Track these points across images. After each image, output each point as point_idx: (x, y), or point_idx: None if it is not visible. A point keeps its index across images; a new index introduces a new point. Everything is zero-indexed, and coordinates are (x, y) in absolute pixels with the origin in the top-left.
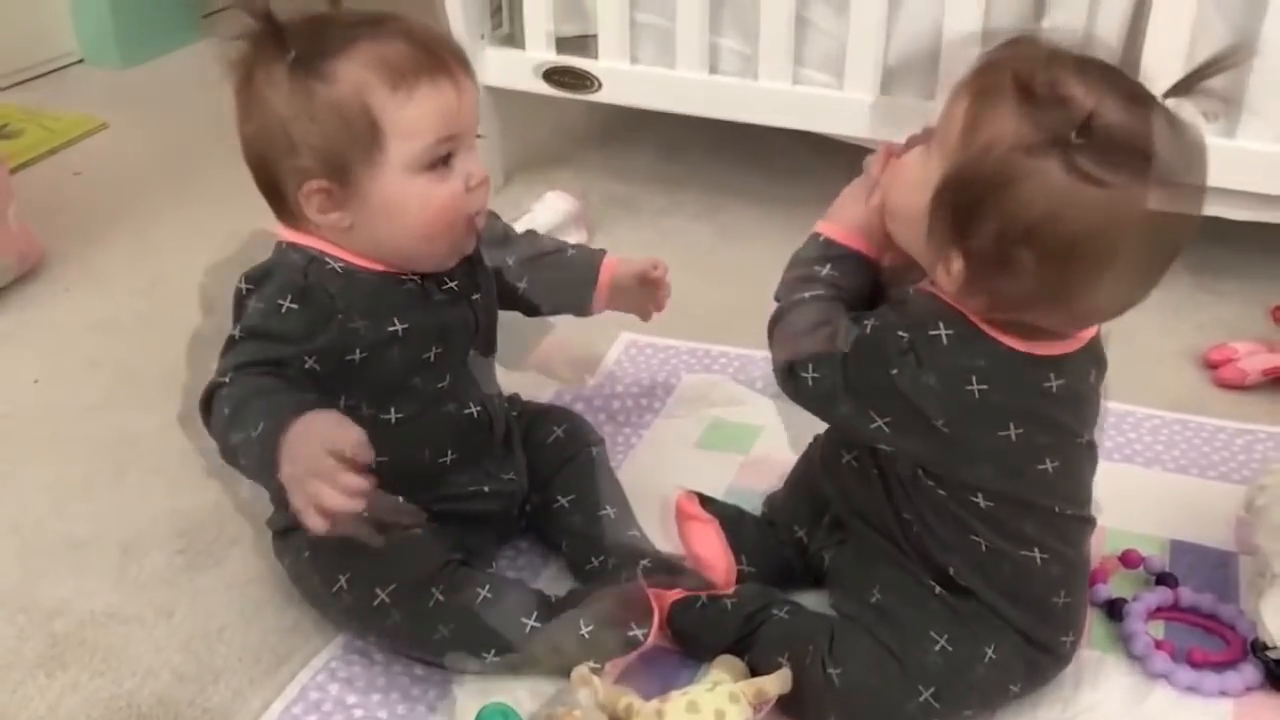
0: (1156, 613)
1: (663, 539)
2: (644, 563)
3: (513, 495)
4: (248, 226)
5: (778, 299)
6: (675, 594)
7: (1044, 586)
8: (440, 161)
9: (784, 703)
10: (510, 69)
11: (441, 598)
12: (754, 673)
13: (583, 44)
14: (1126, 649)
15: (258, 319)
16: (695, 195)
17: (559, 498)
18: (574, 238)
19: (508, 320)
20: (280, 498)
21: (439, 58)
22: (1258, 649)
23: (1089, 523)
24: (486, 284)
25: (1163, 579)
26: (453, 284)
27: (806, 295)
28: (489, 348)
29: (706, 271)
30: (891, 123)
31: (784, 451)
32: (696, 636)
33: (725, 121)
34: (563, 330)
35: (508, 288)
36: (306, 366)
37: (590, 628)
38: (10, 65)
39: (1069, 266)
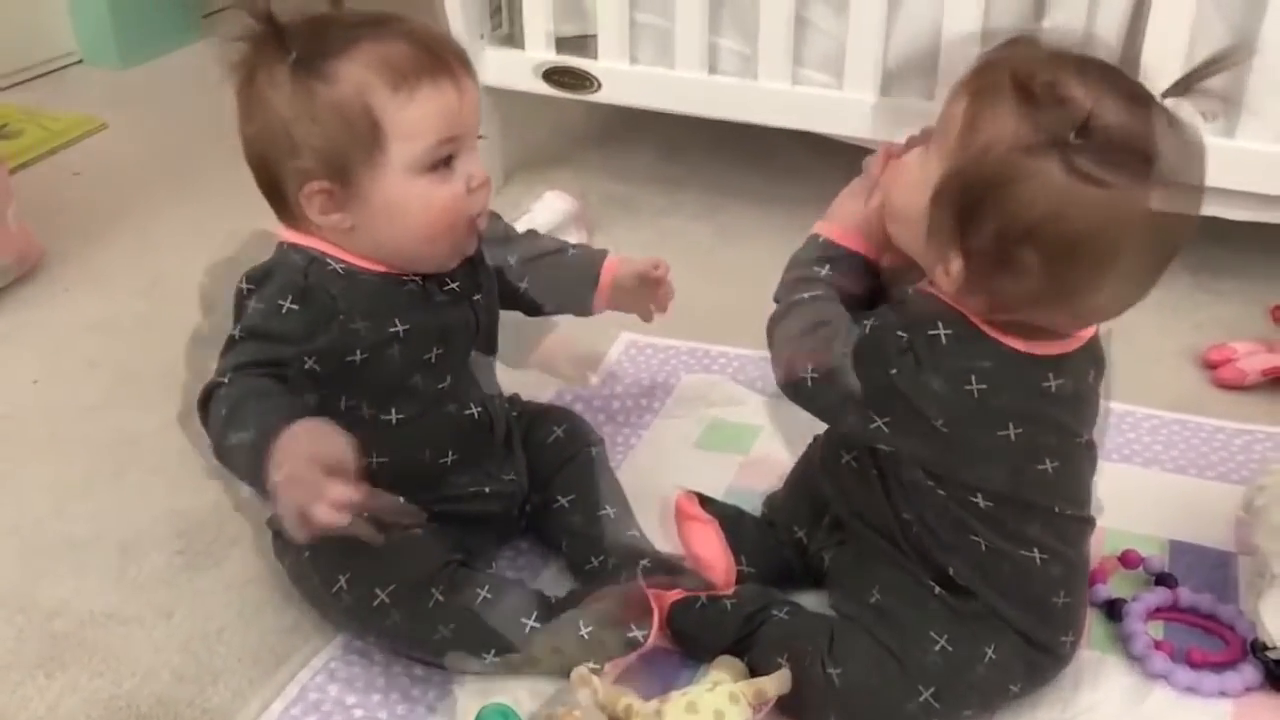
0: (1156, 613)
1: (662, 539)
2: (644, 563)
3: (513, 496)
4: (248, 226)
5: (777, 300)
6: (675, 594)
7: (1044, 586)
8: (442, 163)
9: (784, 703)
10: (510, 69)
11: (441, 598)
12: (754, 673)
13: (582, 44)
14: (1126, 649)
15: (258, 319)
16: (695, 195)
17: (559, 498)
18: (573, 238)
19: (510, 319)
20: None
21: (441, 58)
22: (1257, 649)
23: (1089, 523)
24: (488, 284)
25: (1162, 579)
26: (454, 285)
27: (806, 296)
28: (490, 348)
29: (706, 271)
30: (894, 124)
31: (783, 452)
32: (696, 637)
33: (725, 121)
34: (565, 329)
35: (509, 287)
36: (306, 367)
37: (590, 628)
38: (9, 65)
39: (1068, 267)
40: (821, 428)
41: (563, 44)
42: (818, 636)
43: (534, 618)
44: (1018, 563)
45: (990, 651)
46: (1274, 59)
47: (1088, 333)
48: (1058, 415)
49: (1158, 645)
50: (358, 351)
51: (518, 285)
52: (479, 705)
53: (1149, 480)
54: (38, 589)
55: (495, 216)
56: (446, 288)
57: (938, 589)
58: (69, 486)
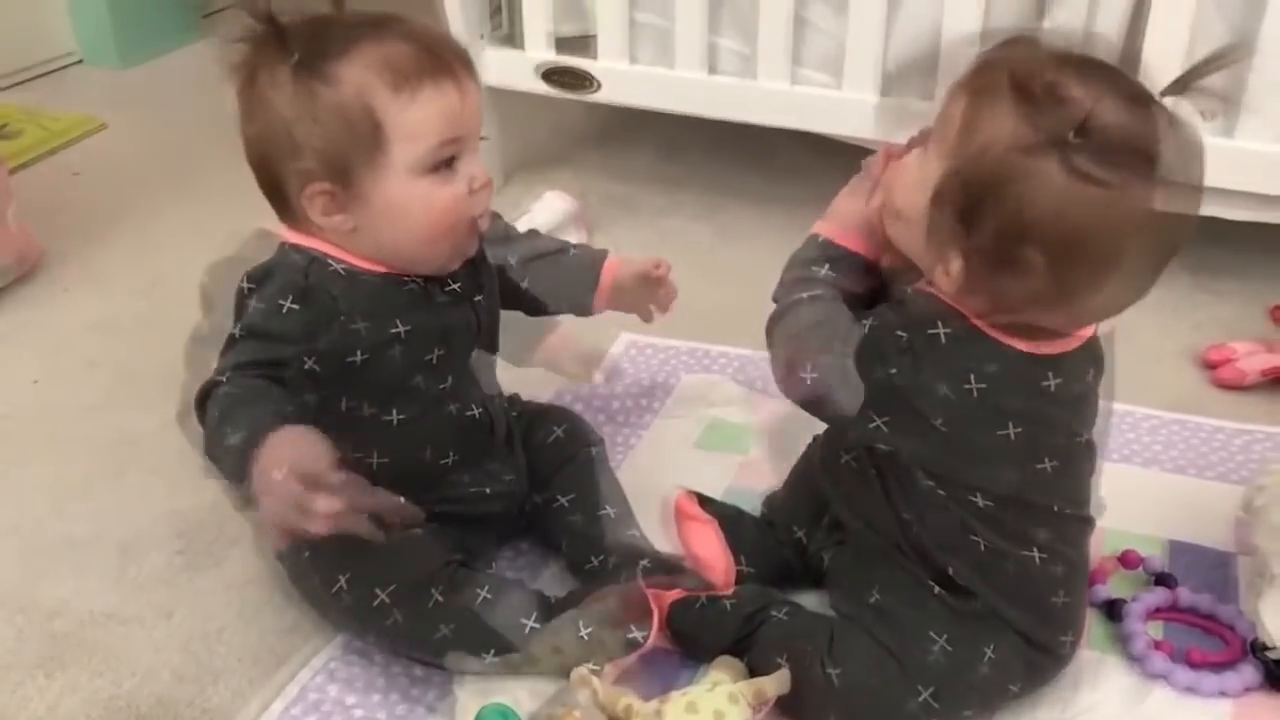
0: (1155, 613)
1: (662, 539)
2: (643, 563)
3: (513, 496)
4: (248, 226)
5: (776, 300)
6: (674, 594)
7: (1043, 586)
8: (444, 164)
9: (783, 703)
10: (509, 69)
11: (441, 598)
12: (753, 673)
13: (582, 44)
14: (1125, 649)
15: (258, 319)
16: (694, 195)
17: (558, 497)
18: (573, 238)
19: (514, 316)
20: None
21: (443, 59)
22: (1257, 649)
23: (1088, 522)
24: (489, 285)
25: (1161, 579)
26: (455, 285)
27: (805, 296)
28: (491, 348)
29: (706, 271)
30: (896, 124)
31: (783, 452)
32: (696, 637)
33: (724, 121)
34: (568, 326)
35: (510, 287)
36: (306, 367)
37: (590, 629)
38: (9, 65)
39: (1068, 266)
40: (822, 428)
41: (562, 44)
42: (817, 636)
43: (534, 618)
44: (1017, 562)
45: (990, 651)
46: (1273, 59)
47: (1087, 332)
48: (1057, 414)
49: (1157, 645)
50: (358, 352)
51: (518, 285)
52: (479, 705)
53: (1148, 480)
54: (38, 589)
55: (496, 216)
56: (448, 288)
57: (937, 589)
58: (69, 486)
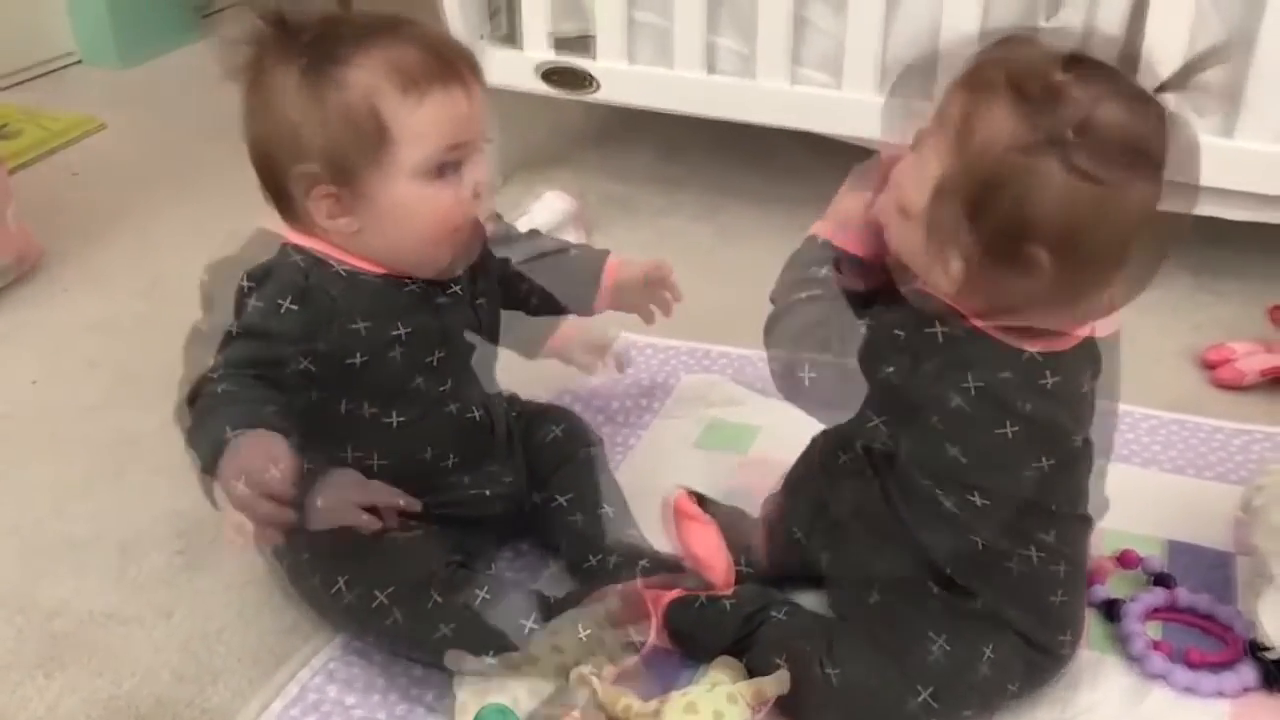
0: (1154, 613)
1: (661, 539)
2: (643, 563)
3: (513, 498)
4: (248, 226)
5: (773, 301)
6: (674, 594)
7: (1042, 586)
8: (450, 168)
9: (782, 703)
10: (509, 69)
11: (440, 599)
12: (752, 674)
13: (582, 43)
14: (1124, 649)
15: (256, 318)
16: (694, 195)
17: (557, 497)
18: (572, 238)
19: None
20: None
21: (451, 64)
22: (1255, 649)
23: (1087, 522)
24: (490, 286)
25: (1160, 579)
26: (455, 287)
27: (803, 296)
28: (492, 350)
29: (706, 271)
30: (902, 124)
31: (782, 452)
32: (695, 637)
33: (724, 121)
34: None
35: (511, 287)
36: (301, 367)
37: (589, 629)
38: (8, 65)
39: (1070, 265)
40: (820, 428)
41: (562, 44)
42: (816, 637)
43: (533, 618)
44: (1016, 562)
45: (989, 651)
46: (1273, 58)
47: (1083, 332)
48: (1054, 413)
49: (1156, 645)
50: (358, 354)
51: (519, 285)
52: (479, 705)
53: (1147, 480)
54: (38, 589)
55: (497, 217)
56: (448, 290)
57: (937, 589)
58: (69, 486)
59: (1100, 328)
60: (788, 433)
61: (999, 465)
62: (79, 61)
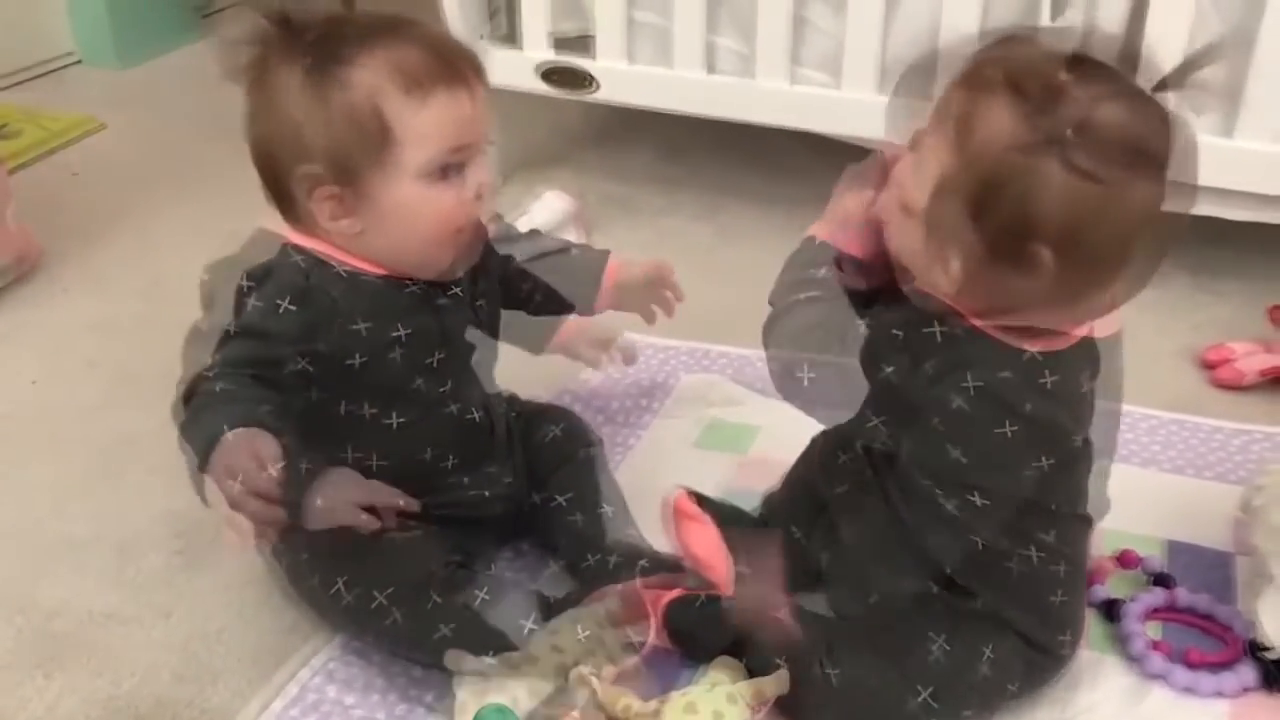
0: (1154, 613)
1: (661, 539)
2: (642, 563)
3: (512, 499)
4: (248, 226)
5: (772, 303)
6: (673, 594)
7: (1042, 586)
8: (453, 169)
9: (782, 703)
10: (508, 69)
11: (440, 599)
12: (752, 674)
13: (582, 43)
14: (1124, 649)
15: (255, 317)
16: (694, 195)
17: (556, 497)
18: (572, 238)
19: None
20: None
21: (456, 66)
22: (1255, 649)
23: (1087, 522)
24: (490, 287)
25: (1160, 579)
26: (456, 288)
27: (802, 297)
28: (492, 351)
29: (706, 271)
30: (905, 124)
31: (782, 452)
32: (694, 637)
33: (724, 121)
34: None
35: (511, 288)
36: (299, 368)
37: (589, 630)
38: (8, 65)
39: (1068, 264)
40: (820, 428)
41: (561, 43)
42: (816, 637)
43: (533, 618)
44: (1016, 562)
45: (989, 651)
46: (1272, 58)
47: (1081, 332)
48: (1055, 413)
49: (1156, 645)
50: (358, 354)
51: (521, 284)
52: (478, 705)
53: (1147, 480)
54: (37, 589)
55: (497, 218)
56: (449, 291)
57: (936, 589)
58: (69, 486)
59: (1101, 328)
60: (788, 433)
61: (999, 465)
62: (79, 61)
